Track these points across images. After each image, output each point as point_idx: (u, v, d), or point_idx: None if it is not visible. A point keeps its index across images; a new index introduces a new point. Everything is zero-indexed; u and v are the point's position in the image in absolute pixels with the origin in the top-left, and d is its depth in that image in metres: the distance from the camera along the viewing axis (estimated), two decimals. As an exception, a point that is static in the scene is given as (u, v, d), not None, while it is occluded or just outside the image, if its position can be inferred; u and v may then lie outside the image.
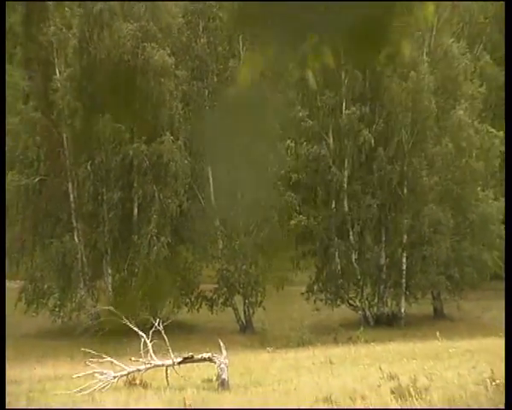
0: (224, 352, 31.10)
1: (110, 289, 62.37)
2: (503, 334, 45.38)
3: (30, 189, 63.91)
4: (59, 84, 62.99)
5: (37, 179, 63.71)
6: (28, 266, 64.03)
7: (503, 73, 79.33)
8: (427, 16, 5.33)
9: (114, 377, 31.66)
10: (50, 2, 65.20)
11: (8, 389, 33.13)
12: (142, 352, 33.13)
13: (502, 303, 66.37)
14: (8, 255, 61.26)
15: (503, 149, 72.39)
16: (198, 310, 65.03)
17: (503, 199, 71.24)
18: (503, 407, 10.50)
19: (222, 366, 30.42)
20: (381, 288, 66.86)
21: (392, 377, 26.37)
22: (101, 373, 31.89)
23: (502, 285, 71.22)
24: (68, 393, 30.65)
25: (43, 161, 64.12)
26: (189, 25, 66.90)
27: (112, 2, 65.72)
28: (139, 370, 32.25)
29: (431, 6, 5.36)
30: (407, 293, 66.75)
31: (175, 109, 65.24)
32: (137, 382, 31.63)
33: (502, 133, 70.77)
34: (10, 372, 38.38)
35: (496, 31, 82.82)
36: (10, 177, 65.60)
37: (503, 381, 23.42)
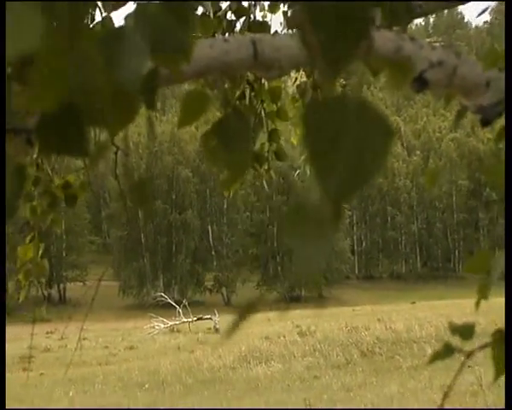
0: (217, 315, 31.13)
1: (162, 286, 62.16)
2: (352, 305, 45.27)
3: (122, 237, 63.84)
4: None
5: (125, 232, 63.66)
6: (122, 274, 63.85)
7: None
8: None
9: (164, 327, 31.69)
10: (132, 145, 65.28)
11: (110, 333, 32.98)
12: (177, 315, 33.21)
13: (351, 290, 65.92)
14: (112, 269, 61.34)
15: (349, 213, 72.64)
16: (204, 294, 64.91)
17: (348, 239, 71.42)
18: (503, 407, 9.46)
19: (216, 321, 30.48)
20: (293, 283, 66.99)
21: (297, 326, 26.36)
22: (158, 325, 31.89)
23: (350, 282, 70.72)
24: (142, 335, 30.60)
25: (129, 224, 64.13)
26: (198, 155, 67.31)
27: (165, 147, 66.13)
28: (176, 324, 32.27)
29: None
30: (305, 286, 66.73)
31: (192, 198, 65.67)
32: (175, 330, 31.62)
33: (347, 207, 70.92)
34: (112, 325, 38.18)
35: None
36: (112, 230, 65.86)
37: (352, 327, 23.55)
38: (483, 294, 1.32)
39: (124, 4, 1.05)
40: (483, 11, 3.23)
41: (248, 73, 3.12)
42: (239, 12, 3.22)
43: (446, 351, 1.32)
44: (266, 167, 4.06)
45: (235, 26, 3.25)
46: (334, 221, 0.65)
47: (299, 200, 0.68)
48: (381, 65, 1.08)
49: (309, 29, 0.64)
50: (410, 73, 1.08)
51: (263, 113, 3.43)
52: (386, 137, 0.65)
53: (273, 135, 3.50)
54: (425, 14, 1.75)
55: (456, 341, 1.36)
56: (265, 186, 4.06)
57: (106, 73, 0.72)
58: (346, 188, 0.64)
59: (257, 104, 3.38)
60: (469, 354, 1.32)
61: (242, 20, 3.24)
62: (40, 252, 3.40)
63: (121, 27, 0.81)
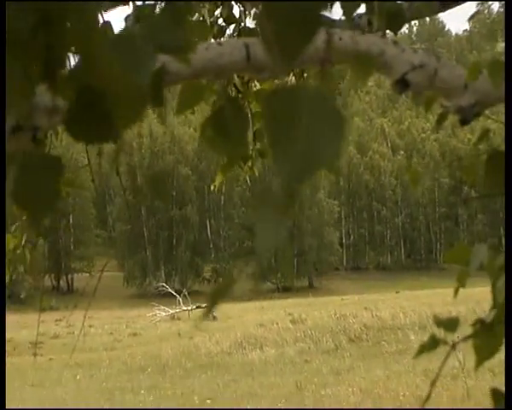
0: (214, 303, 31.10)
1: (163, 276, 62.08)
2: (340, 295, 45.18)
3: (126, 230, 63.86)
4: (139, 184, 63.16)
5: (129, 227, 63.64)
6: (126, 265, 63.89)
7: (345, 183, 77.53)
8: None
9: (165, 315, 31.67)
10: (135, 145, 65.15)
11: (115, 321, 32.93)
12: (177, 303, 33.18)
13: (340, 280, 65.58)
14: (117, 261, 61.38)
15: (338, 208, 72.48)
16: (203, 284, 64.79)
17: (337, 232, 71.26)
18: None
19: (213, 309, 30.44)
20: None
21: (289, 314, 26.38)
22: (159, 313, 31.87)
23: (338, 273, 70.52)
24: (144, 322, 30.59)
25: (132, 219, 64.04)
26: (197, 155, 67.27)
27: (166, 147, 66.06)
28: (176, 311, 32.25)
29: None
30: (296, 276, 66.49)
31: (192, 194, 65.67)
32: (176, 317, 31.59)
33: (336, 203, 70.75)
34: (117, 313, 38.15)
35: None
36: (118, 225, 65.76)
37: (340, 315, 23.54)
38: (461, 282, 1.33)
39: (122, 4, 1.05)
40: (472, 16, 3.24)
41: (235, 77, 3.13)
42: (229, 20, 3.21)
43: (432, 343, 1.32)
44: (250, 165, 4.22)
45: (225, 32, 3.23)
46: (288, 203, 0.67)
47: (264, 186, 0.71)
48: (344, 61, 1.08)
49: (267, 21, 0.66)
50: (371, 67, 1.08)
51: (249, 113, 3.43)
52: (338, 126, 0.66)
53: (258, 134, 3.51)
54: (409, 20, 1.74)
55: (439, 331, 1.36)
56: (248, 181, 4.20)
57: (118, 73, 0.74)
58: (298, 173, 0.66)
59: (244, 104, 3.39)
60: (454, 346, 1.32)
61: (232, 26, 3.23)
62: (23, 242, 3.33)
63: (129, 31, 0.83)
